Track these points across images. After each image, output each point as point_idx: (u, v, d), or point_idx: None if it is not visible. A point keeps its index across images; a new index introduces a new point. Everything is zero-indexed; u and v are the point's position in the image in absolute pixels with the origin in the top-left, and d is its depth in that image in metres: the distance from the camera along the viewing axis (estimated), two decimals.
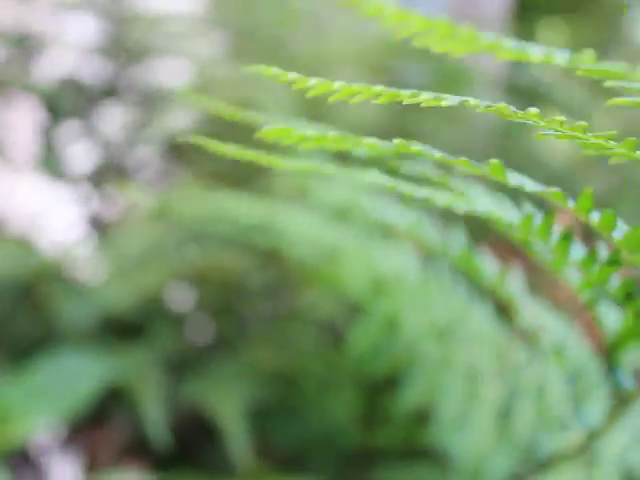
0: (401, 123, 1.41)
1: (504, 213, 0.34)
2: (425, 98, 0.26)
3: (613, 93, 0.30)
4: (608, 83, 0.25)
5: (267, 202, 0.60)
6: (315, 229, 0.55)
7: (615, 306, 0.39)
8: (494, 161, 0.26)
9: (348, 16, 1.58)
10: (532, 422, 0.54)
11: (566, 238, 0.33)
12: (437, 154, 0.27)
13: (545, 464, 0.53)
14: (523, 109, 0.27)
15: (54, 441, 1.18)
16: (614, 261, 0.34)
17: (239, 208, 0.62)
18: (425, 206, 0.44)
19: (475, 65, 1.86)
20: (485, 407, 0.58)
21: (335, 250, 0.54)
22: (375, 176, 0.28)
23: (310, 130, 0.25)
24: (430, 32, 0.26)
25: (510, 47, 0.24)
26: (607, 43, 2.32)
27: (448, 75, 1.41)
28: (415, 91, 0.26)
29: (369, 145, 0.24)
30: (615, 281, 0.36)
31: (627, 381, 0.42)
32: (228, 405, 0.90)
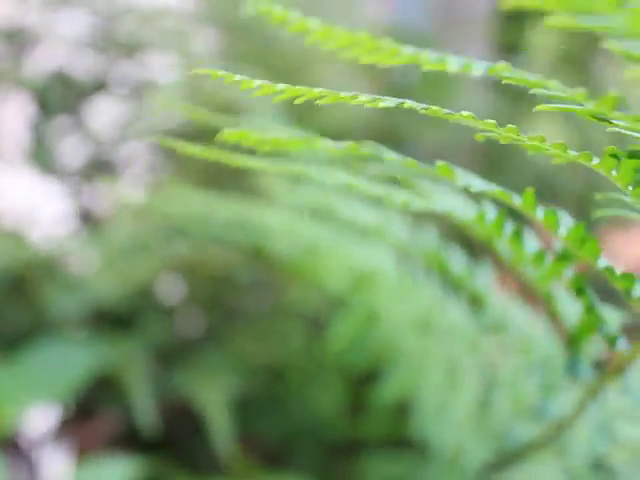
0: (390, 122, 1.42)
1: (463, 211, 0.36)
2: (411, 105, 0.28)
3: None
4: (532, 91, 0.27)
5: (246, 201, 0.62)
6: (293, 227, 0.56)
7: (574, 299, 0.41)
8: (440, 163, 0.28)
9: (339, 14, 1.59)
10: (507, 413, 0.56)
11: (517, 234, 0.35)
12: (393, 156, 0.28)
13: (518, 454, 0.55)
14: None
15: (45, 434, 1.19)
16: (564, 257, 0.36)
17: (219, 208, 0.63)
18: (403, 208, 0.45)
19: None
20: (463, 398, 0.59)
21: (313, 247, 0.56)
22: (339, 176, 0.29)
23: (273, 133, 0.27)
24: (356, 46, 0.28)
25: (430, 58, 0.26)
26: (596, 42, 2.34)
27: (435, 74, 1.43)
28: (401, 100, 0.28)
29: (324, 147, 0.25)
30: (567, 276, 0.37)
31: (586, 373, 0.44)
32: (213, 396, 0.92)
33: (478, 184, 0.26)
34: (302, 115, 1.27)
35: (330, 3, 1.60)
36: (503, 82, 0.27)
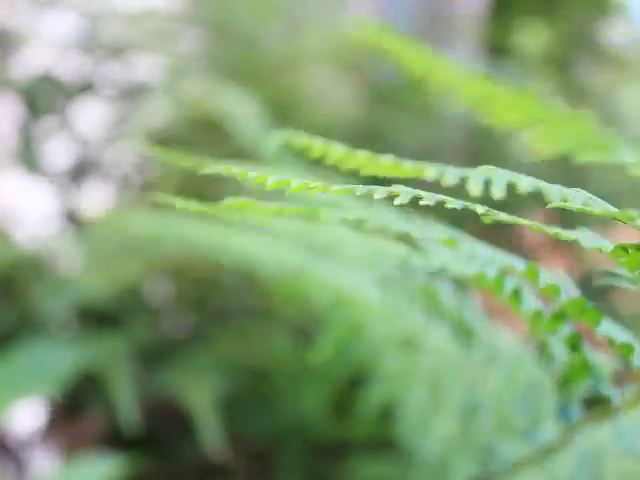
0: (375, 121, 1.43)
1: (462, 269, 0.37)
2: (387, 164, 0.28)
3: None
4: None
5: (218, 226, 0.61)
6: (270, 249, 0.57)
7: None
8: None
9: (323, 14, 1.60)
10: (492, 432, 0.57)
11: (517, 292, 0.36)
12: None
13: (504, 471, 0.56)
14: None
15: (32, 433, 1.20)
16: (561, 315, 0.37)
17: (188, 232, 0.64)
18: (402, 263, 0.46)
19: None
20: (447, 413, 0.60)
21: (297, 272, 0.56)
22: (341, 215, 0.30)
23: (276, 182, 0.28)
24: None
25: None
26: (582, 41, 2.36)
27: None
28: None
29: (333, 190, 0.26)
30: (564, 331, 0.39)
31: (574, 413, 0.45)
32: (199, 395, 0.93)
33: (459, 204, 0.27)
34: (286, 115, 1.28)
35: (315, 4, 1.62)
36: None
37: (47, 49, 1.32)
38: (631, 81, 1.88)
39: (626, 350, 0.36)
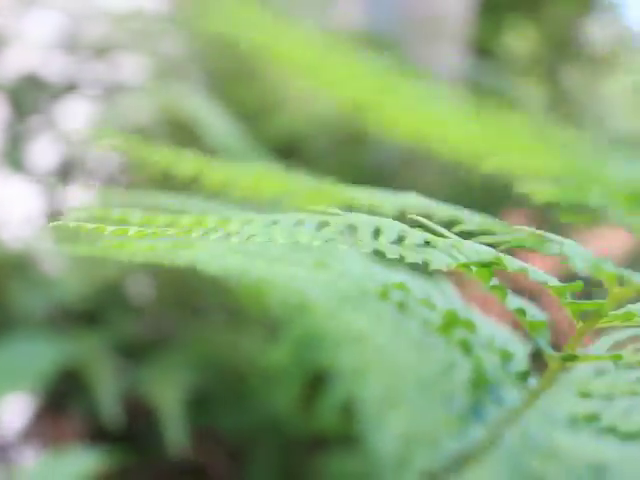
0: (356, 123, 1.44)
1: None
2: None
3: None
4: None
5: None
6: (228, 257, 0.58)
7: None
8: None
9: (311, 15, 1.61)
10: (442, 423, 0.58)
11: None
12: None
13: (456, 463, 0.57)
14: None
15: (16, 432, 1.21)
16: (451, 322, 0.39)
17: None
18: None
19: (434, 62, 1.90)
20: (402, 407, 0.62)
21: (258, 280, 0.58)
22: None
23: None
24: None
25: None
26: (569, 41, 2.37)
27: (404, 75, 1.45)
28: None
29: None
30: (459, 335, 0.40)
31: (489, 413, 0.46)
32: (167, 392, 0.94)
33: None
34: (269, 115, 1.30)
35: (303, 4, 1.63)
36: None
37: (32, 49, 1.33)
38: (611, 76, 1.90)
39: (536, 328, 0.37)
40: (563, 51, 2.02)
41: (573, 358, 0.36)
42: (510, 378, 0.44)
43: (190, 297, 1.14)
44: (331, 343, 0.61)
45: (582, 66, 1.97)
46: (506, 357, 0.42)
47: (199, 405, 0.98)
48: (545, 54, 1.96)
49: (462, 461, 0.56)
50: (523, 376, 0.41)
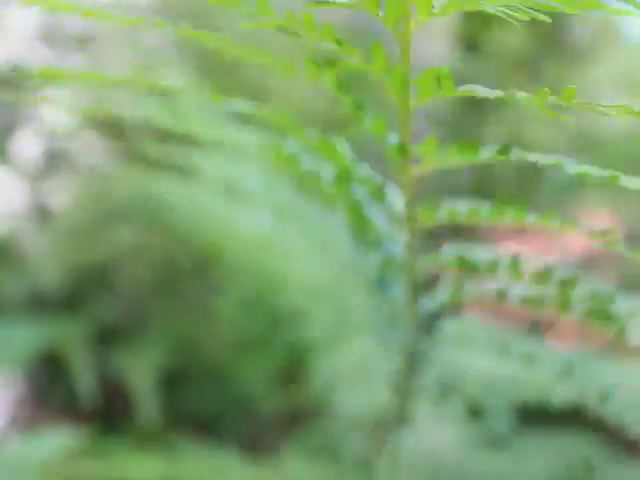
0: (340, 110, 1.45)
1: None
2: None
3: None
4: None
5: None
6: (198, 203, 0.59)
7: None
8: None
9: (299, 5, 1.62)
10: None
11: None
12: None
13: None
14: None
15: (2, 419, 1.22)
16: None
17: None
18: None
19: (422, 56, 1.91)
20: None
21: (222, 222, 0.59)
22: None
23: None
24: None
25: None
26: (557, 41, 2.37)
27: None
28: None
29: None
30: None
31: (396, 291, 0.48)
32: (139, 371, 0.95)
33: None
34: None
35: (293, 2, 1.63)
36: None
37: (13, 41, 1.34)
38: (596, 69, 1.90)
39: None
40: (549, 45, 2.02)
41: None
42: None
43: (169, 282, 1.14)
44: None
45: (567, 59, 1.98)
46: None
47: (172, 384, 0.99)
48: (533, 50, 1.96)
49: None
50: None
